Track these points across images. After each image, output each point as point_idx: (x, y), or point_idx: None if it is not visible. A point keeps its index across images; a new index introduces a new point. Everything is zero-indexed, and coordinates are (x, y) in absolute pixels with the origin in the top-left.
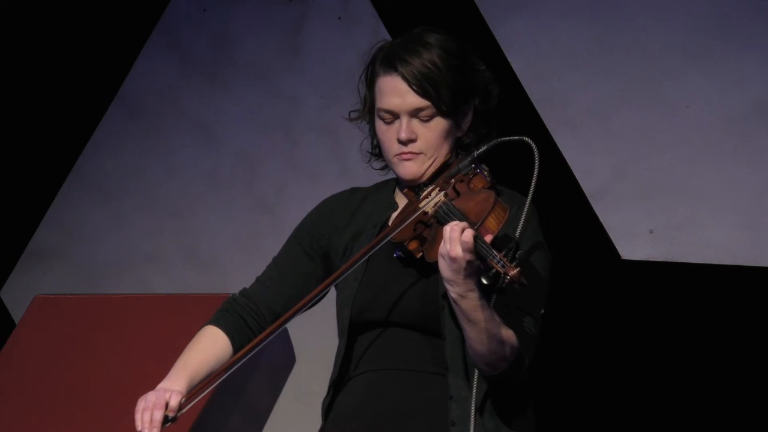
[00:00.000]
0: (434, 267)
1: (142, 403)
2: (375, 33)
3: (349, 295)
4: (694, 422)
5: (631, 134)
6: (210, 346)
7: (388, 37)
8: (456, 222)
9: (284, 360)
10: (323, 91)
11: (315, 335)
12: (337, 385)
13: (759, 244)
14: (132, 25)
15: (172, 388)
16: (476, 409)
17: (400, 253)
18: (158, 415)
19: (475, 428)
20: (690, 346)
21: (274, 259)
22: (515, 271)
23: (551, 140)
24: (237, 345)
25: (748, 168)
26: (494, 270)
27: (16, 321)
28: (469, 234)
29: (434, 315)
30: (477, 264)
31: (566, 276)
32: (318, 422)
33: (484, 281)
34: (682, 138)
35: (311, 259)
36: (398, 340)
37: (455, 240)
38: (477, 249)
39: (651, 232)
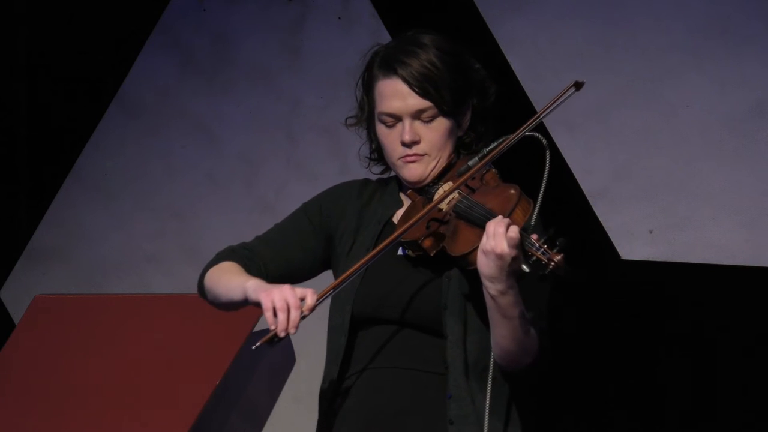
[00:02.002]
0: (442, 263)
1: (269, 301)
2: (375, 33)
3: (350, 289)
4: (694, 422)
5: (631, 134)
6: (246, 272)
7: (388, 38)
8: (499, 218)
9: (284, 360)
10: (323, 91)
11: (315, 335)
12: (338, 381)
13: (759, 244)
14: (132, 25)
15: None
16: (477, 408)
17: (407, 251)
18: (296, 316)
19: (476, 427)
20: (690, 346)
21: (279, 226)
22: (559, 257)
23: (551, 140)
24: None
25: (748, 168)
26: (535, 258)
27: (16, 321)
28: (515, 230)
29: (436, 314)
30: (519, 259)
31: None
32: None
33: (526, 269)
34: (682, 138)
35: (316, 235)
36: (399, 338)
37: (501, 236)
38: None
39: (651, 232)
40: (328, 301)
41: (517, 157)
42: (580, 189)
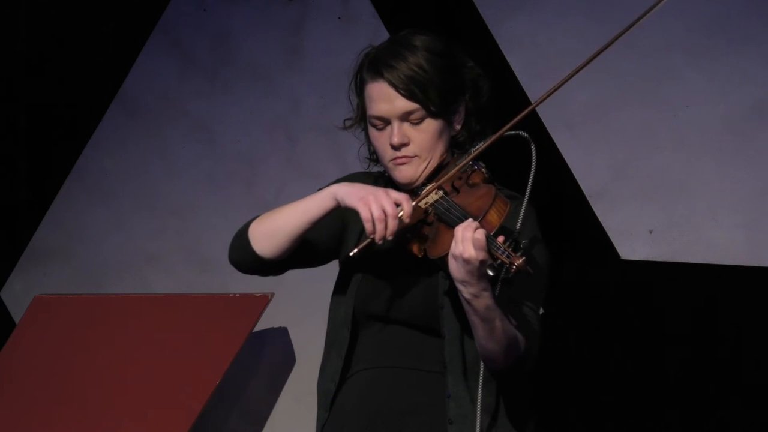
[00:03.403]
0: (436, 264)
1: (367, 210)
2: (375, 33)
3: (352, 286)
4: (693, 422)
5: (630, 134)
6: None
7: (388, 37)
8: (467, 222)
9: (284, 360)
10: (323, 91)
11: (315, 335)
12: (339, 378)
13: (759, 244)
14: (132, 25)
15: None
16: (475, 408)
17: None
18: (394, 225)
19: (473, 427)
20: (690, 346)
21: None
22: (521, 261)
23: (550, 140)
24: None
25: (748, 168)
26: (499, 261)
27: (16, 321)
28: (481, 233)
29: (434, 313)
30: (489, 262)
31: (566, 276)
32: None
33: (489, 272)
34: (682, 138)
35: (336, 218)
36: (398, 337)
37: (468, 240)
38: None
39: (651, 232)
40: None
41: (511, 154)
42: (580, 189)
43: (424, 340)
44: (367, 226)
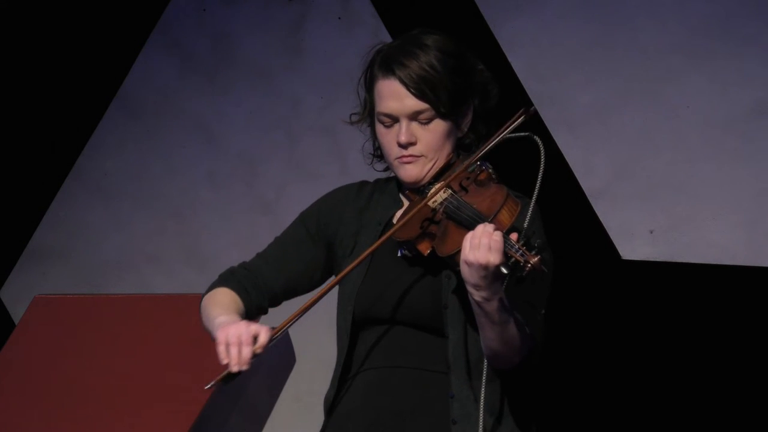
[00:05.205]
0: (442, 263)
1: (224, 336)
2: (375, 33)
3: (352, 290)
4: (693, 422)
5: (631, 134)
6: (235, 302)
7: (388, 38)
8: (482, 228)
9: (284, 360)
10: (323, 91)
11: (315, 335)
12: (340, 382)
13: (759, 244)
14: (132, 25)
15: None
16: (478, 408)
17: (405, 251)
18: (248, 352)
19: (476, 427)
20: (690, 346)
21: (278, 240)
22: (536, 259)
23: (551, 140)
24: (243, 311)
25: (748, 168)
26: (513, 259)
27: (16, 321)
28: (498, 235)
29: (437, 313)
30: (503, 261)
31: (566, 276)
32: (318, 421)
33: (504, 270)
34: (682, 138)
35: (316, 245)
36: (400, 338)
37: (485, 246)
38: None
39: (651, 232)
40: (333, 303)
41: (516, 156)
42: (581, 189)
43: (427, 340)
44: (220, 349)
